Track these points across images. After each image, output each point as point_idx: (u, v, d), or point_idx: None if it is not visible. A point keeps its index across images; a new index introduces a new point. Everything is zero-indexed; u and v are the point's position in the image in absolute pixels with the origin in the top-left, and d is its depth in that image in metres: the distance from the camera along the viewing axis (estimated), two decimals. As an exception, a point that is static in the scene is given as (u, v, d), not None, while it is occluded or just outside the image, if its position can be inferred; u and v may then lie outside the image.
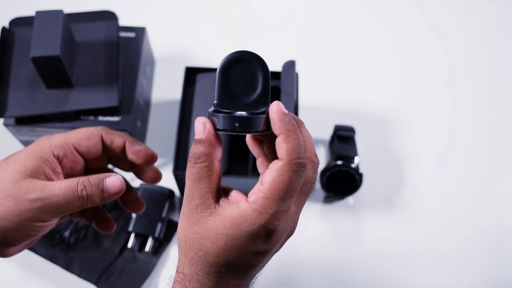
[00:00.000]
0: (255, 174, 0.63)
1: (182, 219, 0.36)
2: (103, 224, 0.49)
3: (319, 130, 0.76)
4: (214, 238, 0.34)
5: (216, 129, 0.35)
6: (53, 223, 0.44)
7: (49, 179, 0.42)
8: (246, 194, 0.36)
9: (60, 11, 0.62)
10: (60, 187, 0.41)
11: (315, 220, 0.71)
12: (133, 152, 0.46)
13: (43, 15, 0.61)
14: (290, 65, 0.64)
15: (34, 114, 0.64)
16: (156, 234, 0.66)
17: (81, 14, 0.69)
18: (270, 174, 0.33)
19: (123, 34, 0.72)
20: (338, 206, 0.72)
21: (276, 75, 0.67)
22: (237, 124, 0.34)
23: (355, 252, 0.69)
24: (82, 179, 0.42)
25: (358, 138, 0.73)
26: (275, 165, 0.34)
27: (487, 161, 0.76)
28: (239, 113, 0.34)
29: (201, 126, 0.35)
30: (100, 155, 0.47)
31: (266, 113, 0.35)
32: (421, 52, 0.86)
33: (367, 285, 0.67)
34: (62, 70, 0.62)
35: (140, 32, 0.73)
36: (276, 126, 0.34)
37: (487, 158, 0.76)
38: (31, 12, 0.63)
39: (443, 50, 0.86)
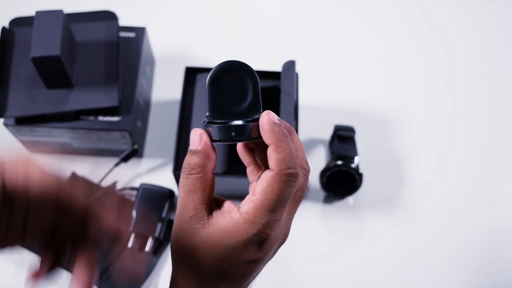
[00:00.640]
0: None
1: (175, 231, 0.36)
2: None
3: (319, 130, 0.76)
4: (208, 249, 0.34)
5: (212, 140, 0.35)
6: None
7: None
8: (245, 194, 0.36)
9: (60, 11, 0.62)
10: None
11: (315, 220, 0.71)
12: None
13: (43, 15, 0.61)
14: (290, 65, 0.64)
15: (34, 114, 0.64)
16: (156, 234, 0.66)
17: (81, 14, 0.69)
18: (260, 184, 0.33)
19: (123, 34, 0.72)
20: (338, 206, 0.72)
21: (276, 75, 0.67)
22: (233, 133, 0.34)
23: (355, 252, 0.69)
24: None
25: (358, 138, 0.73)
26: (266, 175, 0.33)
27: (487, 161, 0.76)
28: (234, 122, 0.34)
29: (198, 137, 0.35)
30: None
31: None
32: (421, 52, 0.86)
33: (367, 285, 0.67)
34: (62, 70, 0.62)
35: (140, 32, 0.73)
36: (266, 136, 0.33)
37: (487, 158, 0.76)
38: (31, 12, 0.63)
39: (443, 50, 0.86)
